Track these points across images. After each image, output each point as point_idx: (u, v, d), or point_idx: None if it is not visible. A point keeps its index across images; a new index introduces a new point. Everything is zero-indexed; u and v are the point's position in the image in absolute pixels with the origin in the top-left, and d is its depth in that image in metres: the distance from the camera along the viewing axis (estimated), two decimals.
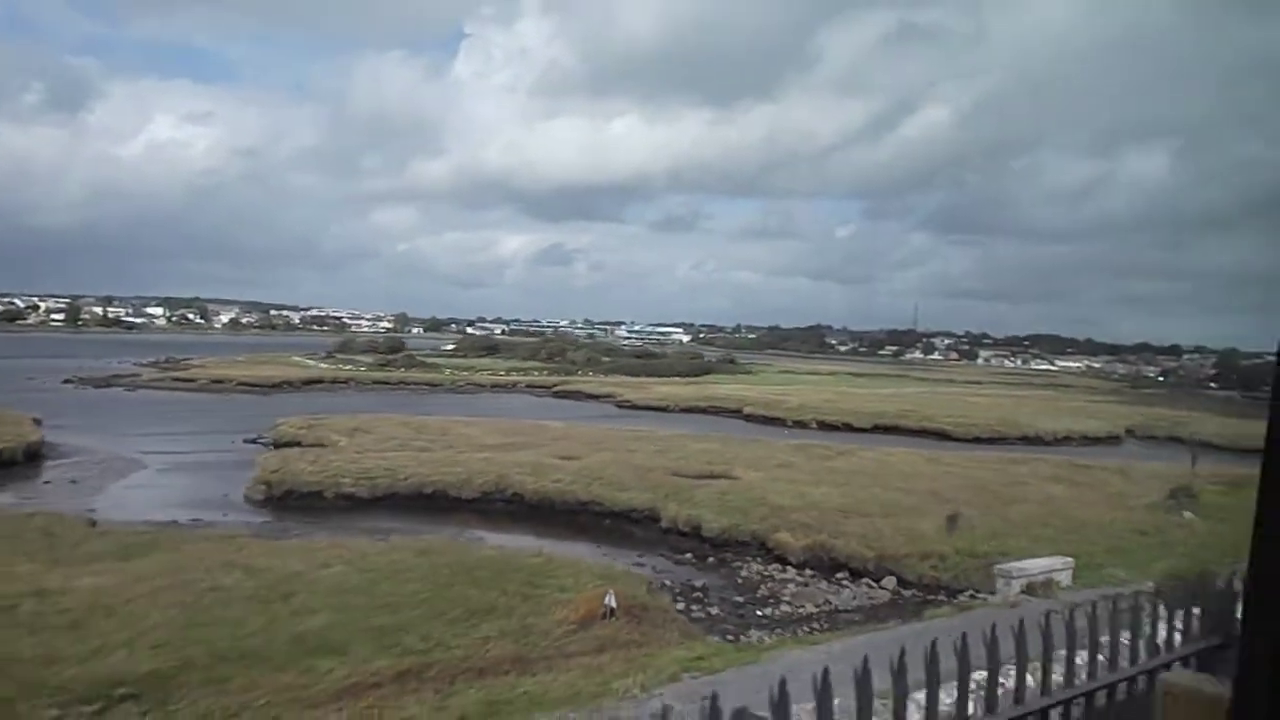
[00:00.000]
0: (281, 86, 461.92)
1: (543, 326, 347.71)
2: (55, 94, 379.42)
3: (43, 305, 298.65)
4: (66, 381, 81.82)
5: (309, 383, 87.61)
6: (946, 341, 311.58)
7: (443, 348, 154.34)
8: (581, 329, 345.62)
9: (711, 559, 28.34)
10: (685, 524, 30.66)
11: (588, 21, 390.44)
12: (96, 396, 70.39)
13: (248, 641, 15.43)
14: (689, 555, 28.69)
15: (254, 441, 49.62)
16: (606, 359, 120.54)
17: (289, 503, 33.07)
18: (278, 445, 47.64)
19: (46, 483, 34.85)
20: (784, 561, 27.62)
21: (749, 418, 77.01)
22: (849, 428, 72.16)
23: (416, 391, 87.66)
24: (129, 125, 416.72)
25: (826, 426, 72.45)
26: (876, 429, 72.08)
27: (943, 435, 69.60)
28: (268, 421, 54.39)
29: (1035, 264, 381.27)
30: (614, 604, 18.61)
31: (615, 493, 33.84)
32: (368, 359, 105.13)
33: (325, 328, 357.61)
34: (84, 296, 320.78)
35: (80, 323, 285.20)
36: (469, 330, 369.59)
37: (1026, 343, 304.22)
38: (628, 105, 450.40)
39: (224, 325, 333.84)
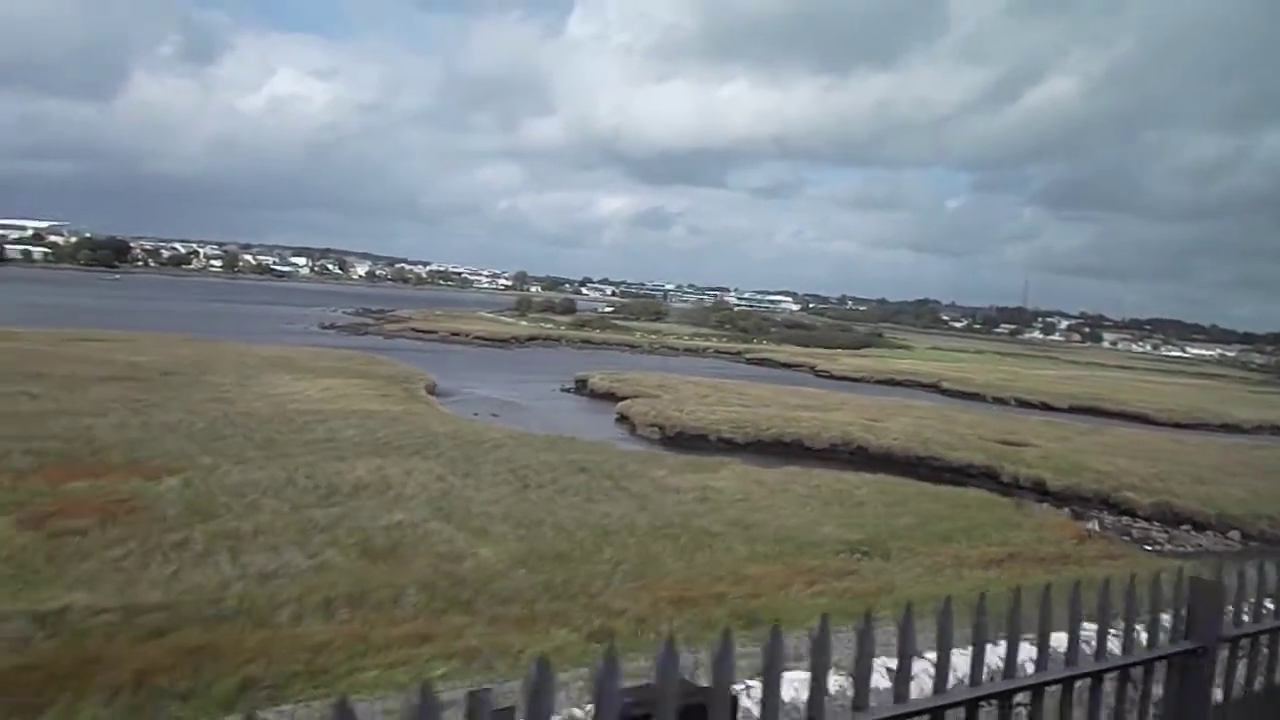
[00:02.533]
0: (400, 43, 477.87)
1: (650, 290, 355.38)
2: (188, 46, 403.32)
3: (201, 251, 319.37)
4: (326, 328, 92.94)
5: (530, 339, 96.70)
6: (1066, 322, 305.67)
7: (599, 309, 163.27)
8: (690, 293, 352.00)
9: (1067, 511, 34.81)
10: (1026, 480, 37.19)
11: None
12: (376, 344, 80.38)
13: (878, 528, 22.66)
14: (1046, 506, 35.24)
15: (569, 391, 58.14)
16: (773, 329, 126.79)
17: (682, 441, 40.80)
18: (595, 395, 56.06)
19: (475, 414, 43.15)
20: (1132, 514, 33.92)
21: (947, 393, 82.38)
22: (1047, 407, 76.88)
23: (630, 352, 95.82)
24: (252, 78, 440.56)
25: (1025, 405, 77.35)
26: (1074, 409, 76.65)
27: (1143, 419, 73.75)
28: (556, 373, 63.06)
29: (1153, 242, 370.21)
30: (1096, 528, 25.43)
31: (947, 451, 40.60)
32: (565, 318, 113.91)
33: (450, 283, 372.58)
34: (228, 243, 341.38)
35: (236, 269, 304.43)
36: (583, 290, 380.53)
37: (1148, 326, 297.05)
38: (741, 70, 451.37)
39: (360, 277, 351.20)
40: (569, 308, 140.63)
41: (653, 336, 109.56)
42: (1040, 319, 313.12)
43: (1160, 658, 2.51)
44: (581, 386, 58.43)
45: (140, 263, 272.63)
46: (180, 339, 56.53)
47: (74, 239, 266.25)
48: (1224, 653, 2.73)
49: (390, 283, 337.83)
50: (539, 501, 22.22)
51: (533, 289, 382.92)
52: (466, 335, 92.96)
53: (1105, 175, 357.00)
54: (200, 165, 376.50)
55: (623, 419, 46.77)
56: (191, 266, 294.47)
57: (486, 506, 20.97)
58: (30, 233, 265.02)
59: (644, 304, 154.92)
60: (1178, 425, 71.07)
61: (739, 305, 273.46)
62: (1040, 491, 36.51)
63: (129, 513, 18.03)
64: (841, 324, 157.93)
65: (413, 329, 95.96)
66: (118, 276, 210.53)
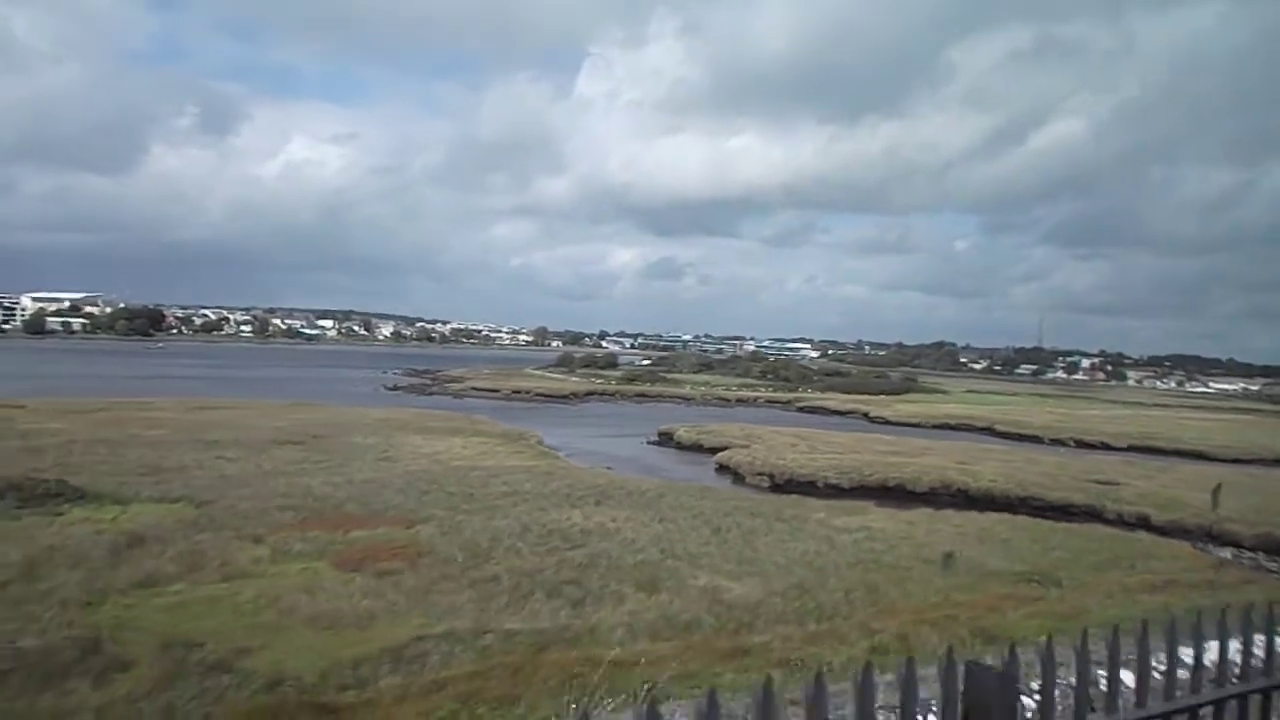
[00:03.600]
0: (413, 107, 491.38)
1: (667, 341, 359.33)
2: (206, 118, 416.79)
3: (231, 318, 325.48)
4: (392, 389, 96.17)
5: (588, 394, 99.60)
6: (1087, 361, 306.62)
7: (639, 363, 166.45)
8: (708, 343, 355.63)
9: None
10: (1131, 516, 39.43)
11: (720, 41, 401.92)
12: (450, 404, 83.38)
13: (1037, 561, 25.04)
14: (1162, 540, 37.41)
15: (654, 444, 60.74)
16: (816, 378, 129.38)
17: (791, 488, 43.23)
18: (682, 446, 58.64)
19: (609, 468, 45.47)
20: (1238, 545, 36.07)
21: (1003, 435, 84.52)
22: (1106, 447, 78.93)
23: (685, 404, 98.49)
24: (268, 146, 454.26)
25: (1085, 445, 79.41)
26: (1132, 448, 78.63)
27: (1201, 455, 75.64)
28: (631, 427, 65.68)
29: (1164, 278, 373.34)
30: (1229, 557, 27.74)
31: (1045, 491, 42.92)
32: (614, 373, 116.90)
33: (473, 340, 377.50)
34: (251, 308, 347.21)
35: (267, 334, 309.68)
36: (604, 344, 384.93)
37: (1168, 363, 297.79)
38: (750, 121, 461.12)
39: (386, 337, 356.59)
40: (611, 362, 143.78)
41: (702, 389, 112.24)
42: (1060, 358, 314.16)
43: None
44: (667, 439, 61.00)
45: (175, 330, 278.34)
46: (290, 405, 59.56)
47: (108, 309, 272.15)
48: None
49: (415, 342, 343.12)
50: (737, 541, 24.74)
51: (553, 343, 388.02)
52: (528, 392, 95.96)
53: (1114, 213, 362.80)
54: (218, 232, 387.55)
55: (723, 468, 49.27)
56: (223, 332, 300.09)
57: (701, 547, 23.54)
58: (67, 304, 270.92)
59: (687, 357, 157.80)
60: (1237, 461, 72.90)
61: (758, 353, 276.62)
62: (1145, 526, 38.68)
63: (418, 556, 20.71)
64: (876, 370, 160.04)
65: (474, 388, 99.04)
66: (161, 345, 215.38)
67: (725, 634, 17.18)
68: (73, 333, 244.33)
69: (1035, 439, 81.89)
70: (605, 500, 29.18)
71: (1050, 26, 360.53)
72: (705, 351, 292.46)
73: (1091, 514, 40.70)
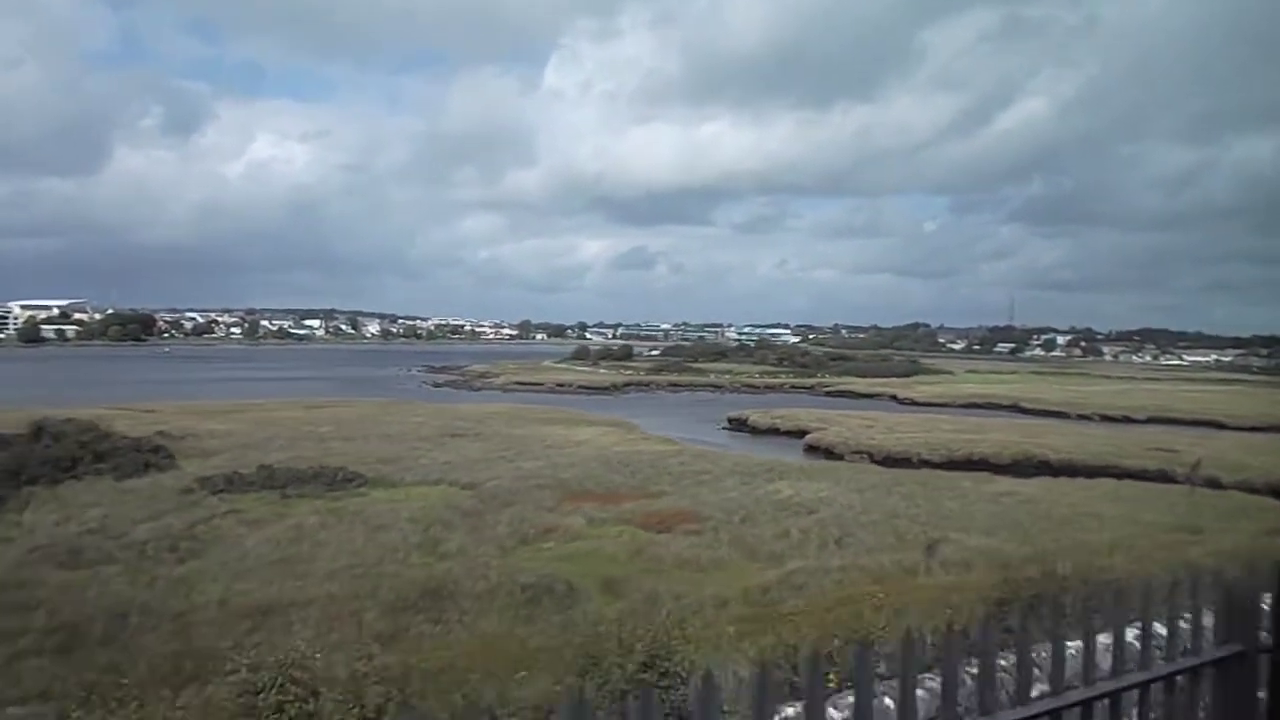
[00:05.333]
0: (380, 103, 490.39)
1: (647, 330, 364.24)
2: (170, 118, 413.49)
3: (222, 320, 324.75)
4: (437, 386, 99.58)
5: (626, 385, 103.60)
6: (1063, 338, 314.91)
7: (649, 353, 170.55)
8: (689, 330, 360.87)
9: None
10: (1199, 479, 44.27)
11: (693, 30, 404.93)
12: (509, 397, 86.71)
13: (1172, 514, 29.54)
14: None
15: (727, 429, 64.93)
16: (834, 362, 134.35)
17: (889, 463, 47.64)
18: (758, 430, 62.94)
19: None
20: None
21: (1030, 412, 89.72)
22: (1129, 420, 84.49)
23: (717, 391, 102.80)
24: (234, 145, 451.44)
25: (1109, 419, 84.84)
26: (1153, 420, 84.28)
27: (1217, 424, 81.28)
28: (691, 413, 69.82)
29: (1128, 253, 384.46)
30: None
31: (1119, 460, 47.72)
32: (645, 364, 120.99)
33: (459, 336, 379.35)
34: (231, 309, 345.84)
35: (258, 336, 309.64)
36: (587, 335, 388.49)
37: (1137, 337, 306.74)
38: (723, 109, 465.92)
39: (373, 335, 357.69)
40: (627, 353, 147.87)
41: (727, 376, 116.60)
42: (1035, 335, 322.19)
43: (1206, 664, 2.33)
44: (741, 424, 65.26)
45: (167, 334, 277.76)
46: (388, 403, 63.01)
47: (97, 315, 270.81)
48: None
49: (402, 339, 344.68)
50: (934, 506, 28.82)
51: (538, 336, 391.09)
52: (570, 385, 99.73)
53: (1078, 191, 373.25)
54: (184, 232, 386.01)
55: (814, 449, 53.62)
56: (215, 335, 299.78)
57: (912, 510, 27.72)
58: (56, 312, 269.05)
59: (705, 346, 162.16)
60: (1254, 429, 78.41)
61: (739, 339, 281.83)
62: (1216, 486, 43.53)
63: (700, 520, 24.75)
64: (881, 355, 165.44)
65: (516, 382, 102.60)
66: (167, 350, 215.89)
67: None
68: (66, 340, 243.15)
69: (1061, 414, 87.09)
70: (784, 476, 33.35)
71: (1017, 8, 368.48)
72: (688, 339, 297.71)
73: (1165, 478, 45.49)
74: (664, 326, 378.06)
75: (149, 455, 31.53)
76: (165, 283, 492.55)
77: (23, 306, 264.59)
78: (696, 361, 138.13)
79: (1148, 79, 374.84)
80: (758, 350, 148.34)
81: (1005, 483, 35.61)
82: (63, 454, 29.09)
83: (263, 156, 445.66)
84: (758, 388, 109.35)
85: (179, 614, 15.45)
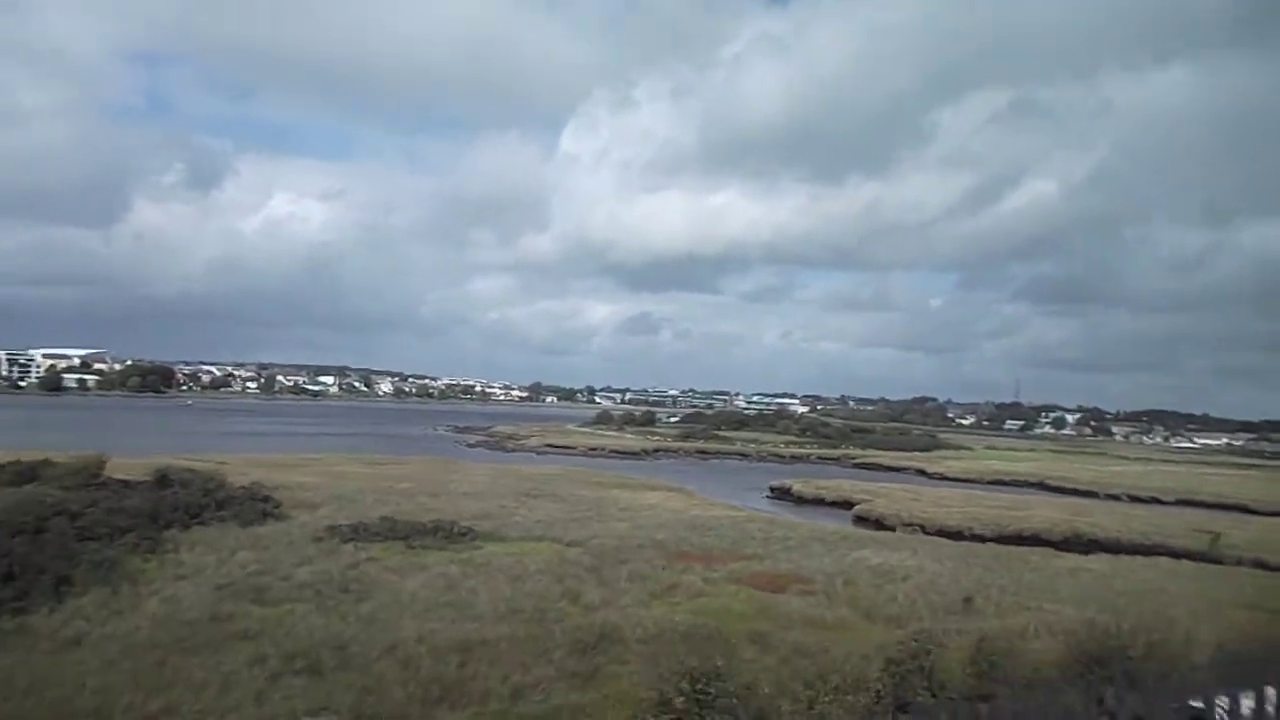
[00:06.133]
0: (400, 163, 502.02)
1: (655, 396, 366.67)
2: (192, 173, 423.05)
3: (238, 374, 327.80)
4: (473, 446, 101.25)
5: (655, 451, 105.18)
6: (1071, 417, 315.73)
7: (667, 419, 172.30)
8: (697, 398, 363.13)
9: None
10: (1248, 559, 45.59)
11: (709, 103, 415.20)
12: (544, 459, 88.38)
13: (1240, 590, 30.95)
14: None
15: (773, 497, 66.37)
16: (855, 434, 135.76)
17: (943, 537, 48.95)
18: (802, 500, 64.35)
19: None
20: None
21: (1058, 490, 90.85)
22: (1157, 501, 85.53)
23: (745, 460, 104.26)
24: (253, 201, 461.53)
25: (1137, 499, 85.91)
26: (1181, 503, 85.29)
27: (1243, 509, 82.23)
28: (728, 481, 71.24)
29: (1135, 334, 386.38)
30: None
31: (1168, 539, 49.06)
32: (669, 431, 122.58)
33: (469, 396, 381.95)
34: (249, 363, 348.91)
35: (275, 391, 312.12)
36: (596, 399, 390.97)
37: (1145, 418, 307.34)
38: (735, 180, 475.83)
39: (386, 393, 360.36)
40: (650, 419, 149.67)
41: (752, 445, 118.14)
42: (1043, 414, 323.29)
43: None
44: (785, 493, 66.74)
45: (185, 387, 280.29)
46: (445, 461, 64.77)
47: (116, 366, 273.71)
48: None
49: (416, 398, 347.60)
50: (1012, 577, 30.30)
51: (548, 399, 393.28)
52: (603, 449, 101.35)
53: (1087, 271, 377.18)
54: (199, 286, 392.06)
55: (863, 519, 55.00)
56: (231, 389, 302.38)
57: (996, 580, 29.18)
58: (77, 361, 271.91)
59: (727, 415, 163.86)
60: (1276, 514, 79.41)
61: (748, 409, 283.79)
62: (1264, 567, 44.79)
63: (807, 582, 26.30)
64: (900, 428, 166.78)
65: (549, 445, 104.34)
66: (190, 402, 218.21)
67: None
68: (87, 389, 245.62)
69: (1090, 494, 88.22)
70: (863, 544, 34.91)
71: (1030, 90, 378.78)
72: (695, 406, 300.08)
73: (1208, 559, 46.76)
74: (671, 392, 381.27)
75: (262, 504, 33.26)
76: (178, 334, 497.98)
77: (45, 355, 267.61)
78: (719, 429, 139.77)
79: (1159, 162, 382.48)
80: (778, 420, 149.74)
81: (1071, 559, 37.06)
82: (190, 500, 30.84)
83: (280, 213, 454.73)
84: (784, 457, 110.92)
85: (390, 646, 17.08)
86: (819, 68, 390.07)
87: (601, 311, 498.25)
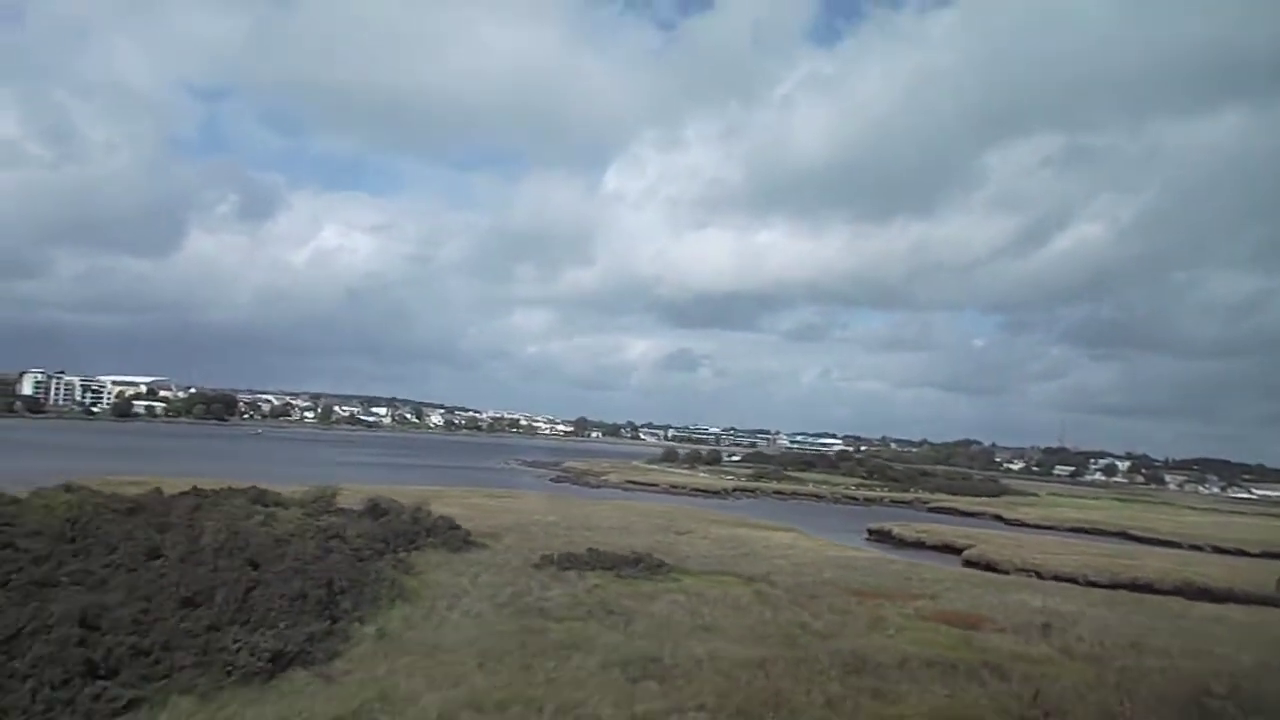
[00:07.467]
0: (447, 197, 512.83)
1: (699, 433, 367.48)
2: (245, 205, 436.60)
3: (296, 404, 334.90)
4: (556, 481, 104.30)
5: (733, 490, 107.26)
6: (1123, 463, 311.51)
7: (729, 458, 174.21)
8: (741, 435, 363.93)
9: None
10: None
11: (756, 142, 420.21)
12: (631, 497, 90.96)
13: None
14: None
15: (873, 540, 68.28)
16: (924, 478, 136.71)
17: (1059, 582, 50.59)
18: (903, 543, 66.22)
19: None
20: None
21: (1140, 540, 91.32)
22: (1242, 553, 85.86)
23: (820, 501, 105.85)
24: (303, 233, 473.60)
25: (1220, 550, 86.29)
26: (1266, 554, 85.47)
27: None
28: (829, 523, 73.19)
29: (1183, 380, 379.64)
30: None
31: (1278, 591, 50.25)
32: (739, 470, 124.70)
33: (517, 430, 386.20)
34: (301, 392, 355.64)
35: (332, 420, 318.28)
36: (640, 435, 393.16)
37: (1196, 467, 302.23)
38: (779, 219, 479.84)
39: (437, 426, 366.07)
40: (716, 457, 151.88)
41: (825, 487, 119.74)
42: (1093, 459, 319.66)
43: None
44: (885, 536, 68.65)
45: (247, 415, 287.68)
46: (547, 497, 67.78)
47: (180, 393, 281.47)
48: None
49: (465, 431, 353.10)
50: (1181, 625, 32.14)
51: (593, 434, 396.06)
52: (684, 488, 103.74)
53: (1134, 315, 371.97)
54: (246, 314, 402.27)
55: (970, 564, 56.76)
56: (291, 418, 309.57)
57: (1165, 629, 31.11)
58: (144, 389, 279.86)
59: (794, 455, 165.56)
60: None
61: (791, 447, 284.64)
62: None
63: (991, 620, 28.60)
64: (961, 473, 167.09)
65: (630, 481, 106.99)
66: (259, 431, 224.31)
67: None
68: (155, 416, 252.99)
69: (1173, 544, 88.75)
70: (1017, 589, 37.04)
71: (1078, 135, 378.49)
72: (739, 444, 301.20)
73: None
74: (713, 430, 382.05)
75: (458, 532, 36.34)
76: (232, 361, 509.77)
77: (114, 382, 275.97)
78: (786, 469, 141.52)
79: (1208, 206, 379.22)
80: (841, 461, 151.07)
81: (1207, 607, 38.77)
82: (404, 528, 34.00)
83: (330, 245, 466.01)
84: (858, 499, 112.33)
85: (697, 661, 19.83)
86: (867, 109, 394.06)
87: (641, 347, 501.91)
